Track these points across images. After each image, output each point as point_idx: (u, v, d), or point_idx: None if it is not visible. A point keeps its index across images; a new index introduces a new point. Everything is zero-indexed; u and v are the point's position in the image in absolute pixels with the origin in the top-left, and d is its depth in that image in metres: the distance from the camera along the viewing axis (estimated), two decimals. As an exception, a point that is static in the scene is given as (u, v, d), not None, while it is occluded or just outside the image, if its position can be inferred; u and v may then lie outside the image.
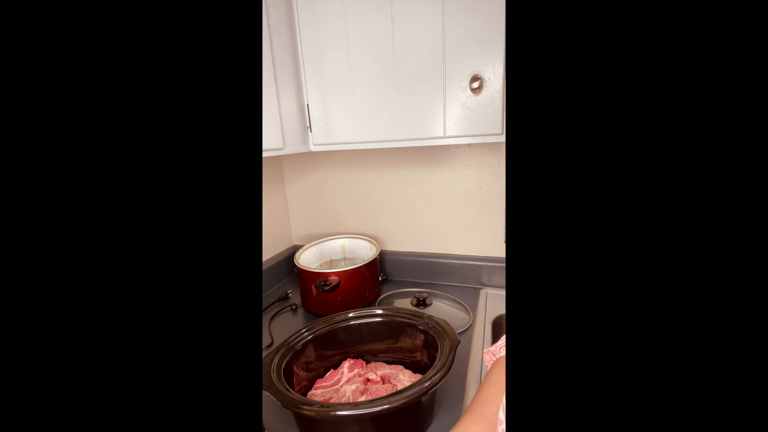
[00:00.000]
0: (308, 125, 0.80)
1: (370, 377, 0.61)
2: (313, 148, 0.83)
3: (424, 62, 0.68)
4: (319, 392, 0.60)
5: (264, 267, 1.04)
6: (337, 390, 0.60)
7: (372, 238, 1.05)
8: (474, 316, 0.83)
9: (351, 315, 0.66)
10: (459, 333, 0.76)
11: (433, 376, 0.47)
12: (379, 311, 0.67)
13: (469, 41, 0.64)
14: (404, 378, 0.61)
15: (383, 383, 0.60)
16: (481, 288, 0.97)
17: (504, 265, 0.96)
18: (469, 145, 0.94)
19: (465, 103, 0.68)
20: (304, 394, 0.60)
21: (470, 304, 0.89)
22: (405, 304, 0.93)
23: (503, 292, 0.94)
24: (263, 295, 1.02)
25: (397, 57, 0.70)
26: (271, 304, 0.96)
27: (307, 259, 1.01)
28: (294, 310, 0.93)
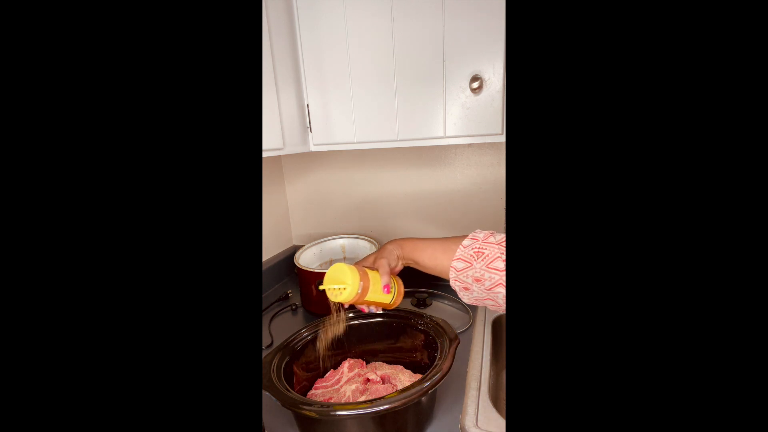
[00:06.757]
0: (308, 125, 0.80)
1: (370, 377, 0.61)
2: (313, 148, 0.83)
3: (424, 62, 0.68)
4: (319, 392, 0.60)
5: (264, 267, 1.04)
6: (337, 390, 0.60)
7: (372, 238, 1.05)
8: (474, 316, 0.83)
9: (351, 315, 0.66)
10: (459, 333, 0.76)
11: (433, 376, 0.47)
12: (379, 311, 0.67)
13: (469, 41, 0.64)
14: (404, 378, 0.61)
15: (383, 383, 0.60)
16: (481, 288, 0.97)
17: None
18: (469, 145, 0.94)
19: (465, 103, 0.68)
20: (304, 394, 0.60)
21: (470, 305, 0.89)
22: (405, 304, 0.93)
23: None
24: (263, 295, 1.02)
25: (397, 57, 0.70)
26: (271, 304, 0.96)
27: (307, 259, 1.01)
28: (294, 310, 0.93)
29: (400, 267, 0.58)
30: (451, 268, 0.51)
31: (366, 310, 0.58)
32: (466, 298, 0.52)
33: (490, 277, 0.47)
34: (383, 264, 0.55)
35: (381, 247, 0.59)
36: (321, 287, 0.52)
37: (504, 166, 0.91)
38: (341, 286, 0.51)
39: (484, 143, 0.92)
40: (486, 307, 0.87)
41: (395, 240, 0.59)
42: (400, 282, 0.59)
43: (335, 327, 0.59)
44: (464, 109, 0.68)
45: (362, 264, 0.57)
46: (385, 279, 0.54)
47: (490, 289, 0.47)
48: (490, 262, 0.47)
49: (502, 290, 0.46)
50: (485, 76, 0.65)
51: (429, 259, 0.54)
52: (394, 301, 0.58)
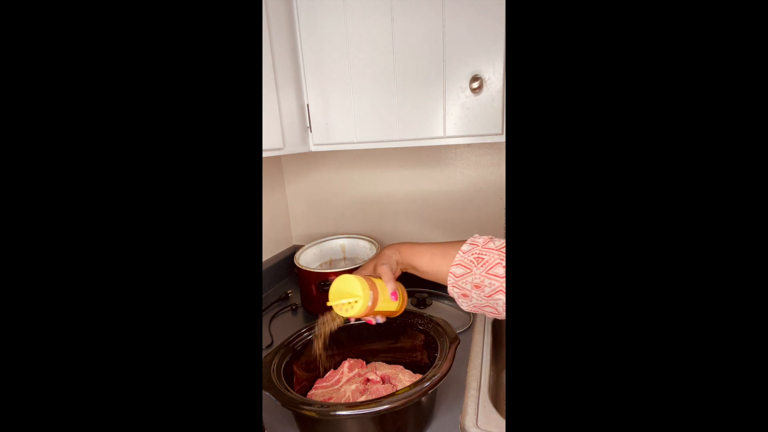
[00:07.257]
0: (308, 125, 0.80)
1: (370, 377, 0.61)
2: (313, 148, 0.83)
3: (424, 62, 0.68)
4: (319, 392, 0.60)
5: (264, 267, 1.04)
6: (337, 390, 0.60)
7: (372, 238, 1.05)
8: (474, 317, 0.83)
9: (350, 314, 0.66)
10: (459, 333, 0.76)
11: (433, 376, 0.47)
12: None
13: (469, 41, 0.64)
14: (404, 378, 0.61)
15: (383, 383, 0.60)
16: (481, 288, 0.97)
17: (504, 265, 0.95)
18: (469, 145, 0.94)
19: (465, 103, 0.68)
20: (304, 394, 0.60)
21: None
22: (405, 304, 0.93)
23: (503, 292, 0.94)
24: (263, 295, 1.02)
25: (397, 57, 0.70)
26: (271, 304, 0.96)
27: (307, 259, 1.01)
28: (294, 310, 0.93)
29: (398, 272, 0.57)
30: (449, 274, 0.50)
31: (373, 322, 0.56)
32: (464, 305, 0.51)
33: (490, 283, 0.46)
34: (386, 270, 0.53)
35: (378, 253, 0.57)
36: (328, 304, 0.49)
37: (504, 166, 0.91)
38: (352, 299, 0.48)
39: (484, 143, 0.92)
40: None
41: (392, 245, 0.58)
42: (403, 288, 0.58)
43: (331, 324, 0.58)
44: (464, 109, 0.68)
45: (362, 272, 0.56)
46: (391, 286, 0.52)
47: (489, 296, 0.46)
48: (490, 268, 0.46)
49: (503, 297, 0.45)
50: (485, 76, 0.65)
51: (427, 265, 0.53)
52: (400, 308, 0.56)
